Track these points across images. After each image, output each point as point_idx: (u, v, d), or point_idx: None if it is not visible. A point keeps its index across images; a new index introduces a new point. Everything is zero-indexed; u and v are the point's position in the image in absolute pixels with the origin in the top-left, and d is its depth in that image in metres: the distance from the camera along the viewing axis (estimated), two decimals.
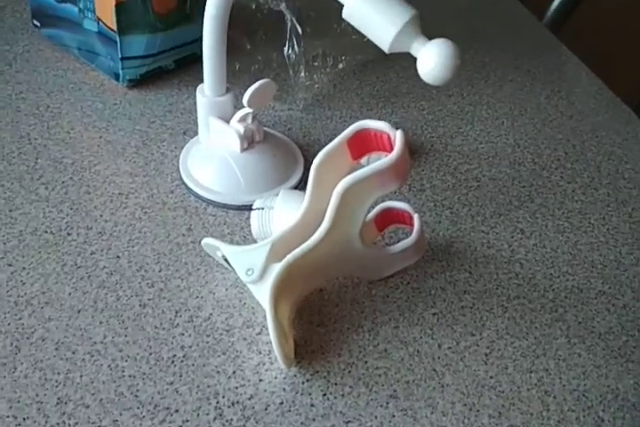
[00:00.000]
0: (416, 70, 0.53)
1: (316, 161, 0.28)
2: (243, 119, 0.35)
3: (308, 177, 0.29)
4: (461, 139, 0.44)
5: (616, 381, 0.30)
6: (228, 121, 0.36)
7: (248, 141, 0.36)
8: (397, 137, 0.26)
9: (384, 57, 0.51)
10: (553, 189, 0.41)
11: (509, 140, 0.45)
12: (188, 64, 0.46)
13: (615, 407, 0.28)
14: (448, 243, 0.36)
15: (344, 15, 0.26)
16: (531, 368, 0.29)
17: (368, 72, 0.50)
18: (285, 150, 0.39)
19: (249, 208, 0.32)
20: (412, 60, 0.55)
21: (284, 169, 0.38)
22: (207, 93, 0.35)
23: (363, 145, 0.28)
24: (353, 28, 0.51)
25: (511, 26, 0.61)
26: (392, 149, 0.27)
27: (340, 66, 0.48)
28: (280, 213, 0.30)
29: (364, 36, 0.51)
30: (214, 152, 0.36)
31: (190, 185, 0.36)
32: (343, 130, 0.43)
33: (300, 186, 0.37)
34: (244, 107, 0.35)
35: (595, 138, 0.46)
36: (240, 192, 0.35)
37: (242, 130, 0.35)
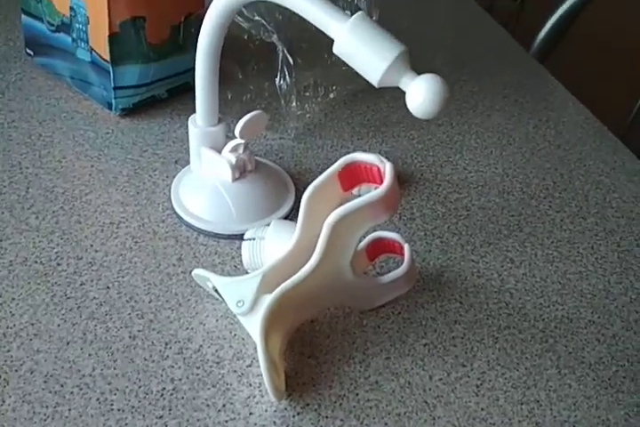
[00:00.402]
0: (406, 100, 0.53)
1: (306, 193, 0.28)
2: (234, 149, 0.35)
3: (299, 206, 0.29)
4: (451, 168, 0.45)
5: (607, 412, 0.30)
6: (219, 151, 0.36)
7: (240, 171, 0.36)
8: (387, 170, 0.26)
9: (375, 87, 0.52)
10: (542, 218, 0.41)
11: (498, 169, 0.45)
12: (180, 93, 0.47)
13: None
14: (439, 272, 0.36)
15: (335, 50, 0.27)
16: (522, 400, 0.29)
17: (359, 102, 0.50)
18: (277, 179, 0.40)
19: (240, 237, 0.33)
20: (401, 89, 0.56)
21: (276, 198, 0.38)
22: (199, 124, 0.36)
23: (353, 177, 0.28)
24: None
25: (499, 56, 0.62)
26: (382, 180, 0.27)
27: (332, 95, 0.48)
28: (271, 243, 0.30)
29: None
30: (206, 182, 0.36)
31: (181, 214, 0.36)
32: (334, 159, 0.43)
33: (292, 215, 0.38)
34: (235, 137, 0.35)
35: (582, 167, 0.47)
36: (231, 221, 0.35)
37: (233, 160, 0.35)
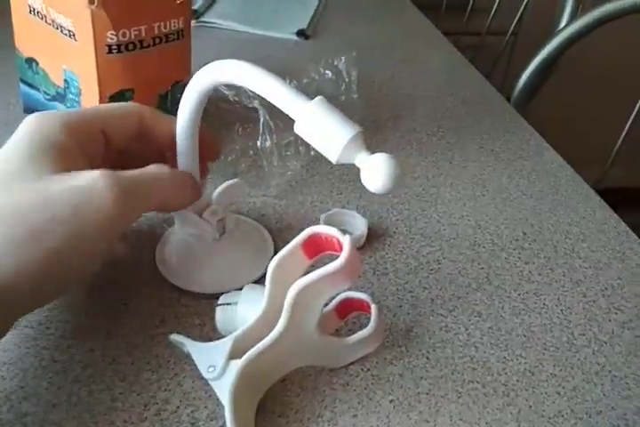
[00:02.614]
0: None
1: (272, 264, 0.30)
2: (214, 213, 0.38)
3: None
4: (424, 221, 0.47)
5: None
6: (202, 212, 0.38)
7: (220, 232, 0.39)
8: (345, 242, 0.29)
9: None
10: (510, 271, 0.43)
11: (471, 221, 0.48)
12: None
13: None
14: (408, 327, 0.38)
15: (295, 130, 0.29)
16: None
17: None
18: (256, 236, 0.42)
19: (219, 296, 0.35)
20: (382, 142, 0.59)
21: (255, 255, 0.40)
22: None
23: (316, 247, 0.30)
24: None
25: (479, 106, 0.65)
26: (342, 249, 0.29)
27: (312, 153, 0.51)
28: (243, 308, 0.33)
29: None
30: (189, 243, 0.39)
31: (166, 275, 0.38)
32: (314, 215, 0.46)
33: None
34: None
35: (553, 217, 0.49)
36: (215, 280, 0.38)
37: (214, 222, 0.38)
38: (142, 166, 0.34)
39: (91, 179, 0.29)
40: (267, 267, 0.40)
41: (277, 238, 0.43)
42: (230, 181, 0.38)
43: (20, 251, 0.27)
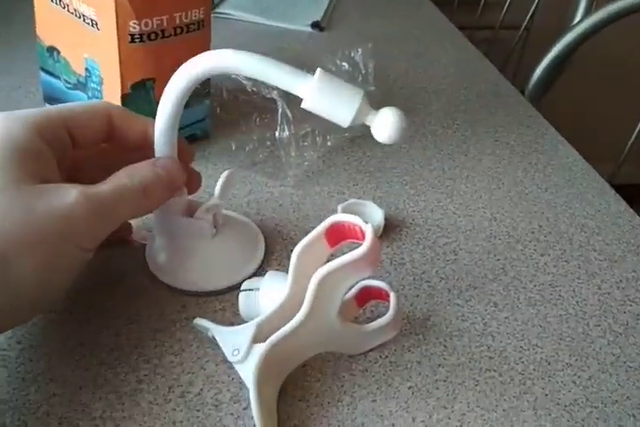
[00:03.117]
0: (401, 146, 0.57)
1: (295, 251, 0.31)
2: (209, 210, 0.36)
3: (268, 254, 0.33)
4: (441, 213, 0.47)
5: None
6: (187, 213, 0.37)
7: (215, 228, 0.38)
8: (367, 231, 0.29)
9: (371, 133, 0.55)
10: (526, 262, 0.44)
11: (486, 213, 0.48)
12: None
13: None
14: (425, 316, 0.38)
15: (304, 105, 0.30)
16: None
17: (355, 148, 0.53)
18: (247, 231, 0.42)
19: (220, 293, 0.36)
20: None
21: (248, 250, 0.40)
22: None
23: (338, 235, 0.31)
24: None
25: (494, 99, 0.65)
26: (364, 237, 0.30)
27: (329, 143, 0.51)
28: (266, 294, 0.33)
29: None
30: (178, 240, 0.37)
31: (155, 271, 0.37)
32: (331, 205, 0.46)
33: (264, 263, 0.40)
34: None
35: (568, 210, 0.50)
36: (211, 278, 0.37)
37: (211, 219, 0.37)
38: (114, 167, 0.33)
39: (71, 203, 0.28)
40: (260, 261, 0.40)
41: (294, 227, 0.44)
42: (225, 173, 0.38)
43: None
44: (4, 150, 0.28)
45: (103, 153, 0.35)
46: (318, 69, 0.29)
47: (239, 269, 0.38)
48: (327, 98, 0.29)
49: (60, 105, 0.33)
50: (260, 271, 0.39)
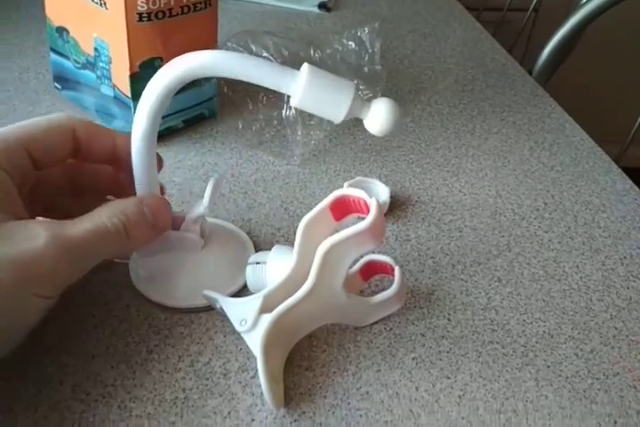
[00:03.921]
0: (407, 125, 0.57)
1: (301, 224, 0.31)
2: (196, 221, 0.35)
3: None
4: (446, 190, 0.48)
5: (579, 421, 0.32)
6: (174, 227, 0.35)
7: (203, 238, 0.35)
8: (372, 204, 0.30)
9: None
10: (530, 239, 0.44)
11: (492, 191, 0.48)
12: (195, 123, 0.51)
13: None
14: (429, 291, 0.39)
15: (292, 103, 0.28)
16: (500, 409, 0.32)
17: (361, 127, 0.53)
18: (235, 241, 0.39)
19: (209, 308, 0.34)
20: (403, 114, 0.60)
21: (236, 262, 0.37)
22: None
23: (343, 209, 0.31)
24: None
25: (501, 78, 0.65)
26: (369, 211, 0.30)
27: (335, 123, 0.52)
28: (272, 267, 0.34)
29: None
30: (164, 253, 0.35)
31: (140, 287, 0.35)
32: (337, 183, 0.47)
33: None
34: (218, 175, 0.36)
35: (574, 188, 0.50)
36: (195, 291, 0.34)
37: (198, 231, 0.35)
38: (81, 179, 0.32)
39: (38, 248, 0.25)
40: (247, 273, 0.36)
41: (301, 205, 0.44)
42: (211, 182, 0.35)
43: None
44: None
45: (69, 168, 0.33)
46: (305, 64, 0.28)
47: (231, 279, 0.36)
48: (317, 95, 0.27)
49: (18, 125, 0.30)
50: None
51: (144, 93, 0.30)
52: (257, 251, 0.37)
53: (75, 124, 0.31)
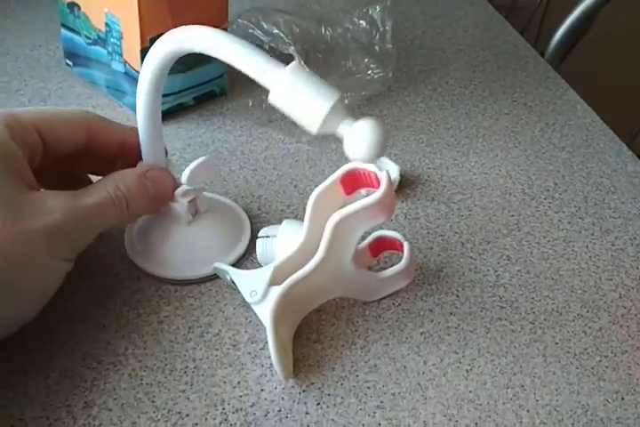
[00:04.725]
0: (418, 105, 0.57)
1: (311, 197, 0.31)
2: (185, 194, 0.34)
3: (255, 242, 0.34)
4: (456, 170, 0.48)
5: (587, 397, 0.32)
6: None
7: (192, 214, 0.35)
8: (383, 177, 0.30)
9: (388, 92, 0.55)
10: (540, 218, 0.44)
11: (502, 171, 0.48)
12: (205, 100, 0.51)
13: (584, 422, 0.31)
14: (438, 268, 0.39)
15: (270, 100, 0.27)
16: (507, 384, 0.32)
17: (372, 106, 0.54)
18: (233, 219, 0.39)
19: (201, 280, 0.35)
20: (414, 94, 0.59)
21: (232, 236, 0.37)
22: None
23: (353, 182, 0.31)
24: (357, 67, 0.55)
25: (512, 60, 0.64)
26: (379, 185, 0.30)
27: (346, 101, 0.51)
28: (282, 240, 0.34)
29: (367, 75, 0.55)
30: (159, 224, 0.36)
31: (133, 257, 0.36)
32: (346, 162, 0.47)
33: (250, 249, 0.38)
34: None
35: (584, 169, 0.50)
36: (190, 265, 0.35)
37: (186, 204, 0.34)
38: (87, 171, 0.34)
39: (58, 218, 0.27)
40: (243, 250, 0.37)
41: (310, 182, 0.44)
42: (201, 159, 0.34)
43: None
44: None
45: (74, 161, 0.33)
46: (294, 61, 0.26)
47: (222, 253, 0.36)
48: (296, 95, 0.25)
49: (32, 109, 0.31)
50: (244, 259, 0.37)
51: (143, 67, 0.30)
52: (263, 226, 0.37)
53: (90, 120, 0.32)
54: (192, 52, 0.29)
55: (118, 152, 0.34)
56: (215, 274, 0.35)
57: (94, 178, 0.34)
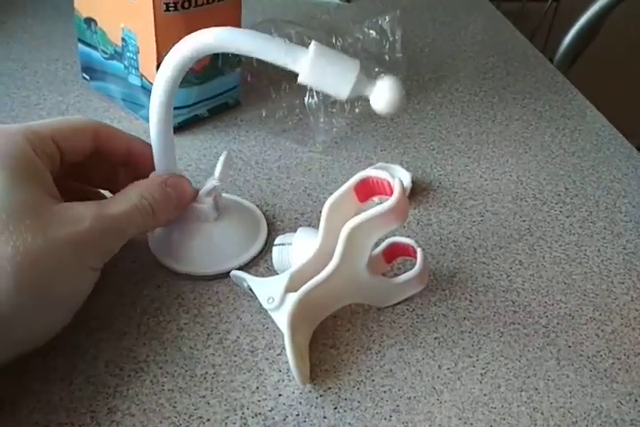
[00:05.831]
0: (428, 112, 0.58)
1: (326, 205, 0.32)
2: (210, 193, 0.36)
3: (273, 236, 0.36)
4: (468, 176, 0.48)
5: (600, 400, 0.33)
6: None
7: (216, 211, 0.37)
8: (395, 184, 0.30)
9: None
10: (552, 223, 0.44)
11: (513, 176, 0.49)
12: (220, 112, 0.52)
13: (598, 424, 0.32)
14: (451, 273, 0.39)
15: (300, 80, 0.29)
16: (521, 387, 0.33)
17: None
18: (250, 216, 0.41)
19: (222, 276, 0.36)
20: (424, 102, 0.60)
21: (249, 236, 0.39)
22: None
23: (367, 190, 0.32)
24: (368, 77, 0.56)
25: (521, 66, 0.65)
26: (392, 192, 0.31)
27: (357, 110, 0.52)
28: (297, 248, 0.35)
29: None
30: (181, 223, 0.37)
31: (157, 254, 0.37)
32: (358, 170, 0.47)
33: (268, 244, 0.39)
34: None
35: (595, 173, 0.50)
36: (215, 261, 0.37)
37: (212, 202, 0.36)
38: (94, 179, 0.35)
39: (87, 229, 0.28)
40: (263, 242, 0.39)
41: (323, 190, 0.45)
42: (223, 155, 0.37)
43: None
44: (11, 169, 0.27)
45: (79, 171, 0.35)
46: (313, 42, 0.29)
47: (243, 251, 0.38)
48: (323, 71, 0.28)
49: (45, 121, 0.32)
50: (264, 253, 0.39)
51: (158, 75, 0.31)
52: (279, 235, 0.37)
53: (97, 127, 0.33)
54: (210, 53, 0.31)
55: (123, 160, 0.35)
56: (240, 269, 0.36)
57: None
